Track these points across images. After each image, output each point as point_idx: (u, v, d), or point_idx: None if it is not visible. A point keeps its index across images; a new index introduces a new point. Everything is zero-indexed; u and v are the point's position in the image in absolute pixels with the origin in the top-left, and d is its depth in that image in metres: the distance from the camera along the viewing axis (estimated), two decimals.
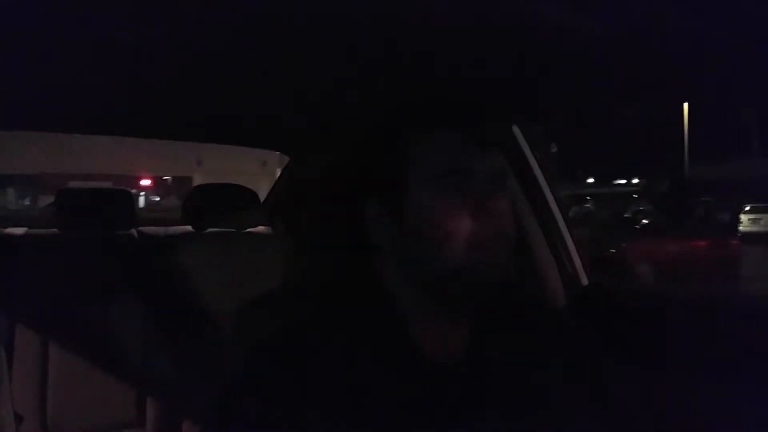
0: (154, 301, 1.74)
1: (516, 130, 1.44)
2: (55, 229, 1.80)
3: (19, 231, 1.80)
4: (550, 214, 1.48)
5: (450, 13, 0.77)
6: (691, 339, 1.09)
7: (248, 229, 1.99)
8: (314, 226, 0.84)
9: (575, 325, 0.81)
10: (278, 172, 2.71)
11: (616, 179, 26.87)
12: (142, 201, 16.23)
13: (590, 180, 26.28)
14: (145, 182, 16.60)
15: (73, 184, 9.63)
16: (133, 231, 1.91)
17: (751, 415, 0.71)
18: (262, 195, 2.36)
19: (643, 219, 10.63)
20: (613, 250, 7.67)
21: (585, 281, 1.46)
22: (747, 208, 15.64)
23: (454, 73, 1.02)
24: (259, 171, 9.51)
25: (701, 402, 0.72)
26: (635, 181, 25.75)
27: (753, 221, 15.07)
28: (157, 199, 18.11)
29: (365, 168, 0.74)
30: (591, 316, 1.31)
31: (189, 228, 1.94)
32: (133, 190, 16.35)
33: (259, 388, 0.66)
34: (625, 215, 12.07)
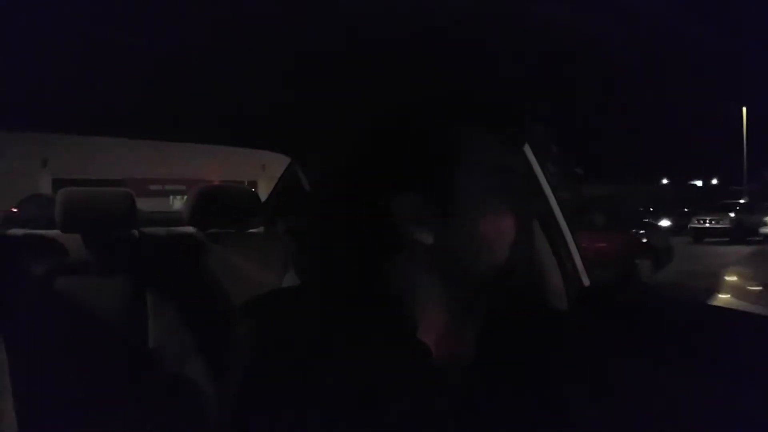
0: (155, 301, 1.74)
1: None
2: (56, 230, 1.80)
3: (19, 231, 1.80)
4: (552, 215, 1.47)
5: (450, 13, 0.77)
6: (692, 339, 1.09)
7: (250, 230, 1.99)
8: (330, 226, 0.84)
9: (577, 325, 0.81)
10: None
11: (692, 180, 27.38)
12: None
13: (665, 181, 26.67)
14: None
15: (153, 187, 12.31)
16: (135, 231, 1.91)
17: (751, 414, 0.71)
18: None
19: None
20: None
21: (587, 282, 1.46)
22: None
23: (455, 74, 1.02)
24: None
25: (703, 401, 0.72)
26: (714, 181, 26.30)
27: None
28: None
29: (404, 162, 0.70)
30: (592, 316, 1.31)
31: (191, 229, 1.94)
32: None
33: (263, 388, 0.66)
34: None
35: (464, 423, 0.65)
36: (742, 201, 17.97)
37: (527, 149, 1.45)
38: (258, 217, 2.01)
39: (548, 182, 1.48)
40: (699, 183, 27.48)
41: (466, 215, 0.66)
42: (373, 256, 0.72)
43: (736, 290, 4.53)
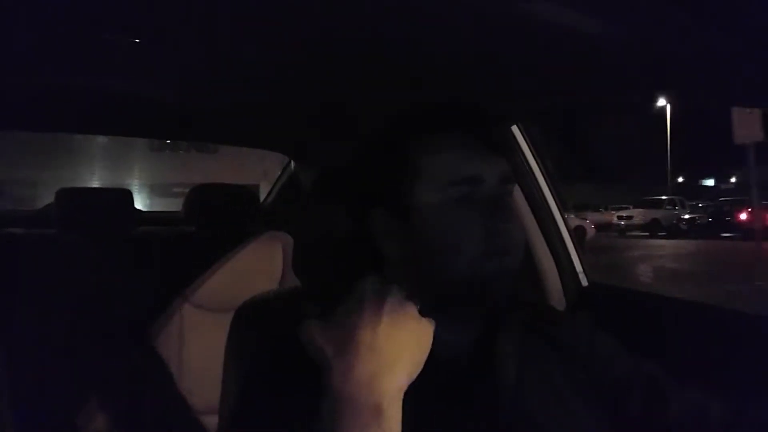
0: (155, 300, 1.74)
1: (516, 130, 1.43)
2: (54, 230, 1.80)
3: (19, 231, 1.79)
4: (550, 215, 1.47)
5: (451, 13, 0.77)
6: (690, 340, 1.09)
7: (249, 229, 1.99)
8: (319, 231, 0.84)
9: (575, 326, 0.81)
10: None
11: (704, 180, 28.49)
12: None
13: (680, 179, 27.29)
14: None
15: (176, 189, 14.48)
16: (134, 231, 1.91)
17: (751, 416, 0.71)
18: None
19: None
20: None
21: (585, 282, 1.46)
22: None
23: (455, 74, 1.02)
24: None
25: (702, 402, 0.72)
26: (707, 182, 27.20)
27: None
28: None
29: (372, 176, 0.73)
30: (591, 317, 1.31)
31: (190, 228, 1.94)
32: None
33: (265, 388, 0.65)
34: None
35: (468, 421, 0.65)
36: (663, 197, 18.76)
37: (525, 148, 1.45)
38: (257, 216, 2.01)
39: (547, 183, 1.48)
40: (711, 182, 27.93)
41: (430, 225, 0.67)
42: (370, 261, 0.73)
43: None
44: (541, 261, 1.44)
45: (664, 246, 14.29)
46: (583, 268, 1.47)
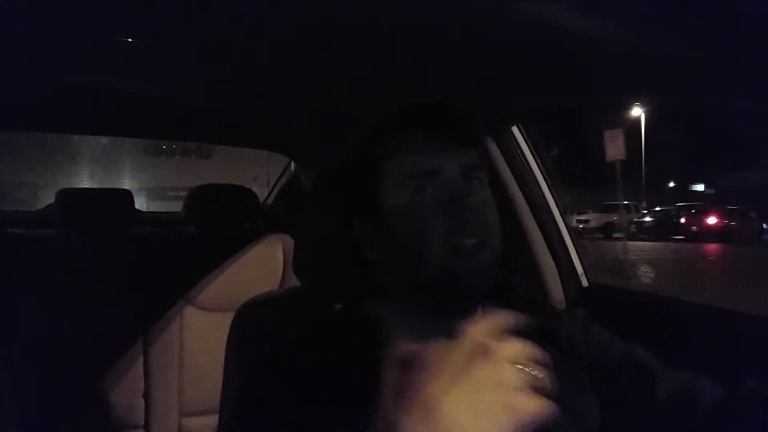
0: (154, 300, 1.74)
1: (517, 130, 1.43)
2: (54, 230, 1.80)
3: (19, 231, 1.79)
4: (551, 216, 1.47)
5: (450, 13, 0.77)
6: (692, 341, 1.09)
7: (249, 230, 1.99)
8: (319, 231, 0.85)
9: (575, 326, 0.81)
10: None
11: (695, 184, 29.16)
12: None
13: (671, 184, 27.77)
14: None
15: (170, 193, 15.48)
16: (134, 232, 1.91)
17: (750, 417, 0.71)
18: None
19: None
20: None
21: (585, 282, 1.45)
22: None
23: (456, 74, 1.02)
24: None
25: (701, 403, 0.72)
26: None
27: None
28: None
29: (349, 181, 0.76)
30: (591, 317, 1.31)
31: (190, 229, 1.94)
32: None
33: (261, 389, 0.66)
34: None
35: None
36: (624, 202, 19.84)
37: (526, 149, 1.45)
38: (257, 217, 2.01)
39: (547, 183, 1.48)
40: (700, 188, 28.27)
41: (399, 224, 0.68)
42: (360, 263, 0.74)
43: None
44: (541, 261, 1.43)
45: (613, 246, 15.30)
46: (584, 268, 1.47)
